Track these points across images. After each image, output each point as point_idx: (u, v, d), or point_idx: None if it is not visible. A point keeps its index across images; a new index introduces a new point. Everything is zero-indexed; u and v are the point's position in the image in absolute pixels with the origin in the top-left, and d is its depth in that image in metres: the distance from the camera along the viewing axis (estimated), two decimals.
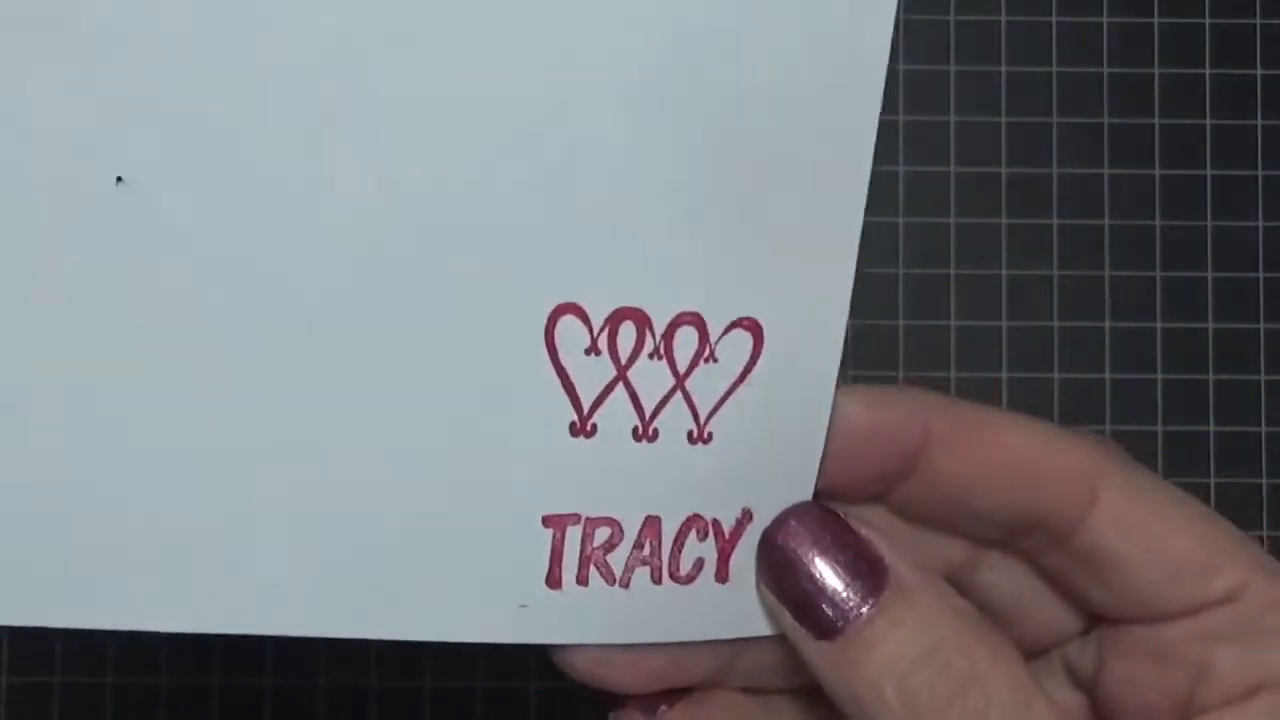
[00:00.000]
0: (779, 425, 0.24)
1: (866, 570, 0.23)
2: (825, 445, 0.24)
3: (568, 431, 0.23)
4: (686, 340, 0.23)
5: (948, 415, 0.24)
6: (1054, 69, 0.41)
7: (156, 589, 0.24)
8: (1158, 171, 0.40)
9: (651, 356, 0.23)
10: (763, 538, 0.24)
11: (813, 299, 0.24)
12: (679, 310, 0.23)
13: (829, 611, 0.23)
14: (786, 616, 0.24)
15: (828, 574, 0.23)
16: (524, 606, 0.24)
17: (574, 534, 0.24)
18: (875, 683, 0.23)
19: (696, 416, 0.24)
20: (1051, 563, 0.25)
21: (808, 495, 0.24)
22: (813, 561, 0.23)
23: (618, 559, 0.24)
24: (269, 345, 0.22)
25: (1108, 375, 0.40)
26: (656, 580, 0.24)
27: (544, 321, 0.23)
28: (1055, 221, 0.40)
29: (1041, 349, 0.40)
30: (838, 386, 0.24)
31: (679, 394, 0.24)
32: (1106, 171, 0.40)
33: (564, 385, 0.23)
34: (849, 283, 0.24)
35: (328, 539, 0.23)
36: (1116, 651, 0.25)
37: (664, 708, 0.25)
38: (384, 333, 0.23)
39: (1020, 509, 0.24)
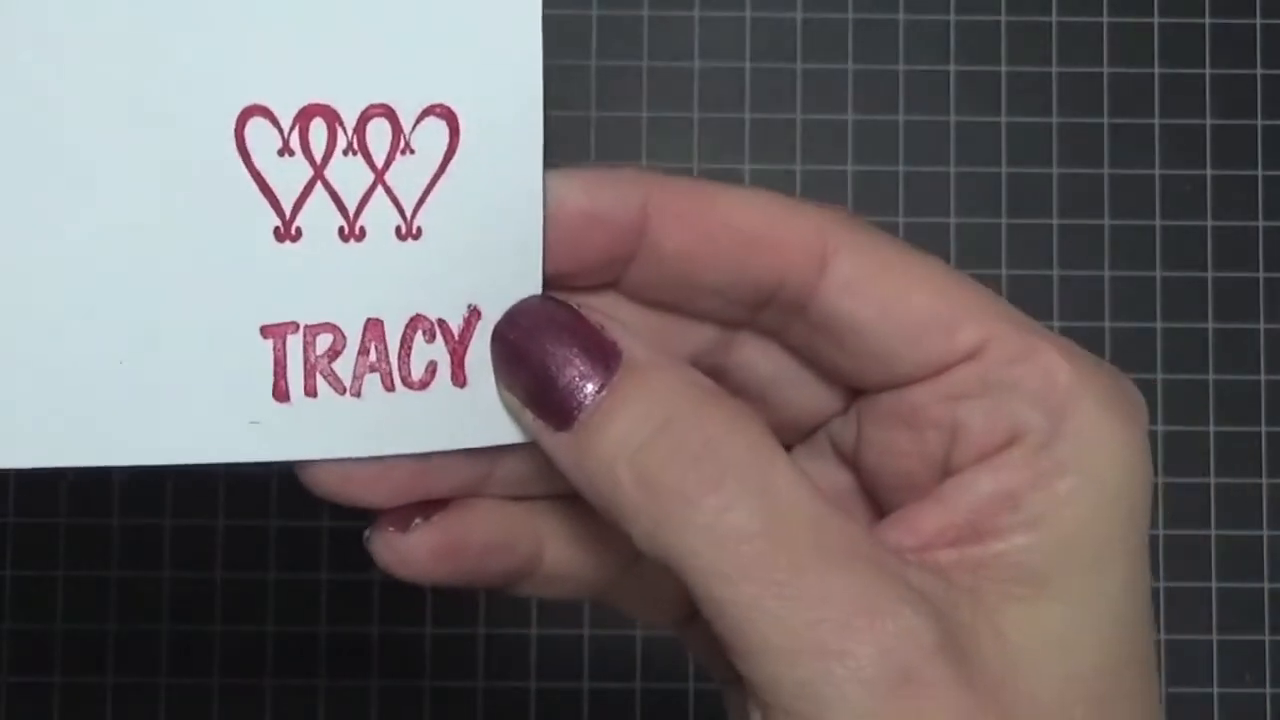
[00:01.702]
0: (490, 217, 0.23)
1: (598, 354, 0.23)
2: (545, 233, 0.23)
3: (273, 236, 0.23)
4: (380, 132, 0.23)
5: (667, 190, 0.23)
6: (1054, 69, 0.41)
7: None
8: (1158, 171, 0.40)
9: (346, 153, 0.23)
10: (493, 335, 0.24)
11: (503, 81, 0.23)
12: (368, 103, 0.23)
13: (563, 400, 0.23)
14: (526, 415, 0.23)
15: (560, 363, 0.23)
16: (255, 423, 0.23)
17: (295, 343, 0.23)
18: (608, 463, 0.22)
19: (402, 211, 0.23)
20: (796, 336, 0.24)
21: (536, 288, 0.24)
22: (543, 351, 0.23)
23: (344, 367, 0.24)
24: None
25: None
26: (389, 387, 0.24)
27: (233, 125, 0.23)
28: (1055, 221, 0.40)
29: None
30: (554, 170, 0.23)
31: (380, 189, 0.23)
32: (1106, 171, 0.40)
33: (261, 189, 0.23)
34: (537, 62, 0.23)
35: (59, 369, 0.23)
36: (871, 421, 0.24)
37: (418, 519, 0.24)
38: (83, 153, 0.23)
39: (749, 281, 0.24)
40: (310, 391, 0.24)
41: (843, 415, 0.25)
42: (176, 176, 0.23)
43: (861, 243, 0.23)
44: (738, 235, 0.23)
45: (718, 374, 0.25)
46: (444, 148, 0.23)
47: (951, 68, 0.41)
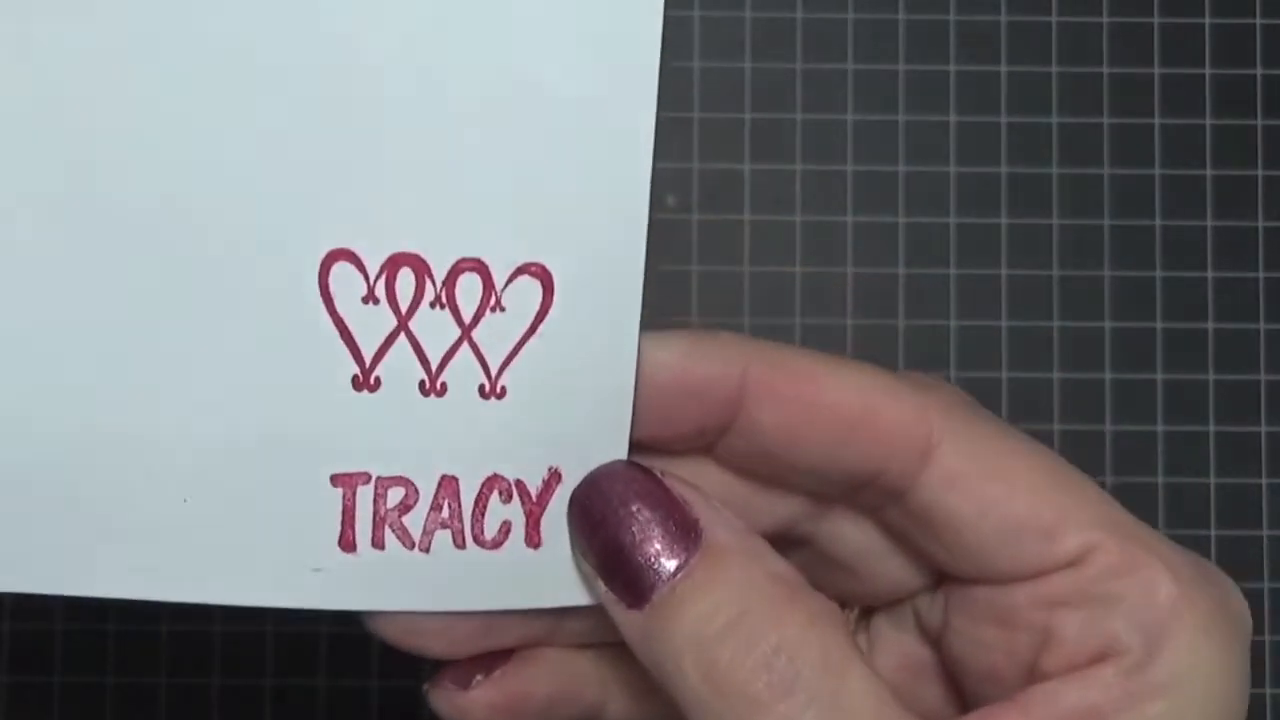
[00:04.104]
0: (580, 379, 0.23)
1: (678, 532, 0.22)
2: (636, 398, 0.23)
3: (350, 385, 0.23)
4: (470, 288, 0.23)
5: (766, 363, 0.23)
6: (1054, 69, 0.41)
7: None
8: (1158, 171, 0.40)
9: (433, 305, 0.23)
10: (571, 499, 0.23)
11: (604, 244, 0.23)
12: (459, 256, 0.22)
13: (637, 577, 0.22)
14: (599, 584, 0.22)
15: (637, 537, 0.22)
16: (318, 570, 0.23)
17: (365, 494, 0.23)
18: (676, 654, 0.21)
19: (487, 369, 0.23)
20: (890, 519, 0.24)
21: (621, 453, 0.23)
22: (621, 524, 0.22)
23: (414, 521, 0.23)
24: (59, 281, 0.22)
25: (1107, 375, 0.40)
26: (460, 544, 0.23)
27: (317, 268, 0.22)
28: (1055, 221, 0.40)
29: (1041, 349, 0.40)
30: (649, 333, 0.23)
31: (465, 345, 0.23)
32: (1106, 171, 0.40)
33: (342, 336, 0.22)
34: (643, 227, 0.23)
35: (121, 502, 0.22)
36: (961, 611, 0.24)
37: (479, 676, 0.24)
38: (162, 287, 0.22)
39: (847, 465, 0.23)
40: (378, 544, 0.23)
41: (930, 593, 0.25)
42: (256, 315, 0.22)
43: (967, 433, 0.23)
44: (839, 418, 0.23)
45: (805, 542, 0.24)
46: (536, 307, 0.23)
47: (951, 68, 0.41)
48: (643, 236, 0.23)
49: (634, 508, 0.22)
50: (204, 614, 0.39)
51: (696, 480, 0.23)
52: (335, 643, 0.39)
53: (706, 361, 0.23)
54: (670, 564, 0.22)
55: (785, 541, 0.24)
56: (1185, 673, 0.21)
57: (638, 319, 0.23)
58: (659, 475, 0.23)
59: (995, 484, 0.22)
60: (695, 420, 0.23)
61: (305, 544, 0.23)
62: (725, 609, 0.21)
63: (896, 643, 0.25)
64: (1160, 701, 0.21)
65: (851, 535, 0.24)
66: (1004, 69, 0.41)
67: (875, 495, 0.23)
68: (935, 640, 0.25)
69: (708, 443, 0.23)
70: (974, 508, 0.22)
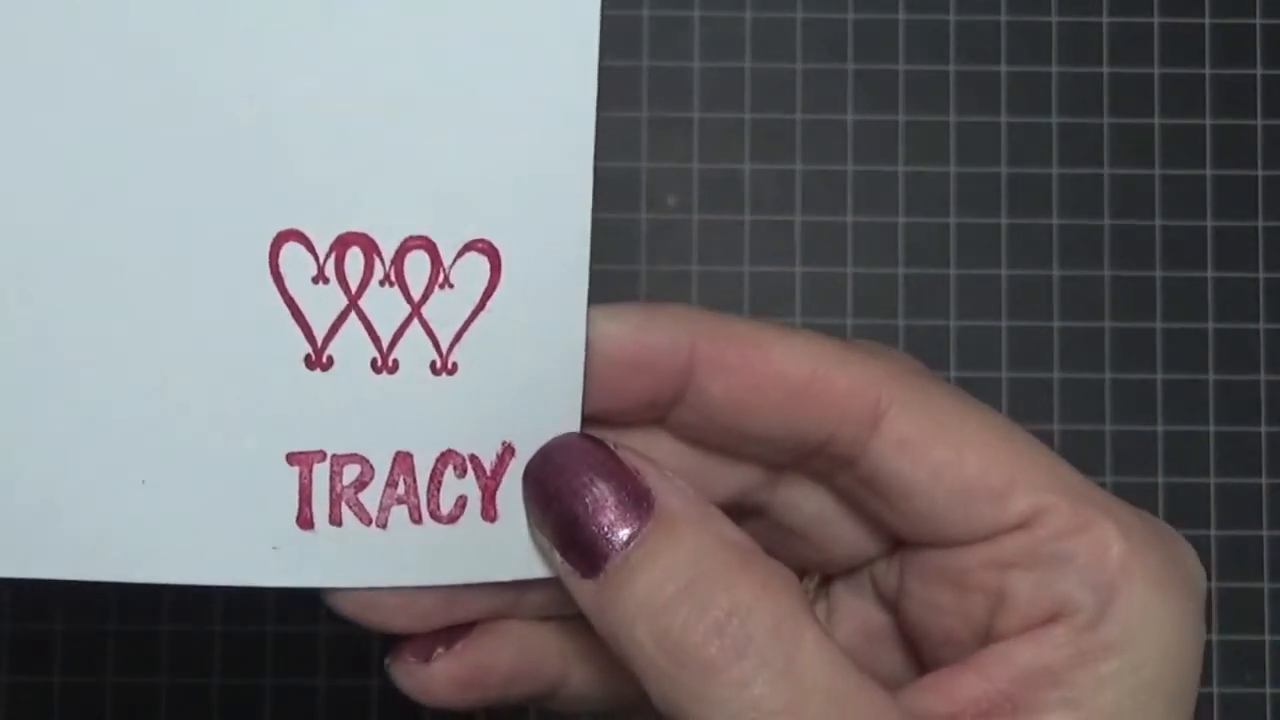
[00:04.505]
0: (530, 354, 0.23)
1: (631, 502, 0.22)
2: (587, 372, 0.23)
3: (303, 364, 0.23)
4: (418, 265, 0.23)
5: (715, 334, 0.23)
6: (1054, 69, 0.41)
7: None
8: (1158, 171, 0.40)
9: (383, 283, 0.23)
10: (525, 472, 0.23)
11: (550, 219, 0.23)
12: (407, 234, 0.23)
13: (591, 547, 0.22)
14: (555, 555, 0.22)
15: (591, 508, 0.22)
16: (276, 548, 0.23)
17: (321, 471, 0.23)
18: (629, 621, 0.21)
19: (438, 346, 0.23)
20: (843, 484, 0.24)
21: (573, 426, 0.23)
22: (574, 494, 0.22)
23: (371, 497, 0.23)
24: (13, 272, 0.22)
25: (1107, 375, 0.40)
26: (416, 520, 0.23)
27: (267, 249, 0.23)
28: (1055, 221, 0.40)
29: (1041, 349, 0.40)
30: (598, 306, 0.23)
31: (416, 322, 0.23)
32: (1106, 171, 0.40)
33: (294, 315, 0.23)
34: (587, 200, 0.23)
35: (78, 483, 0.23)
36: (916, 575, 0.24)
37: (440, 649, 0.24)
38: (113, 270, 0.22)
39: (797, 433, 0.23)
40: (335, 520, 0.23)
41: (887, 559, 0.25)
42: (208, 297, 0.23)
43: (917, 399, 0.23)
44: (788, 386, 0.23)
45: (760, 510, 0.25)
46: (484, 283, 0.23)
47: (951, 68, 0.41)
48: (587, 210, 0.23)
49: (587, 479, 0.22)
50: (204, 614, 0.39)
51: (649, 451, 0.23)
52: (335, 643, 0.39)
53: (656, 333, 0.23)
54: (623, 533, 0.22)
55: (740, 510, 0.25)
56: (1137, 630, 0.22)
57: (585, 293, 0.23)
58: (611, 447, 0.23)
59: (945, 448, 0.22)
60: (646, 392, 0.23)
61: (263, 522, 0.23)
62: (677, 575, 0.21)
63: (855, 609, 0.25)
64: (1113, 659, 0.21)
65: (805, 503, 0.25)
66: (1004, 69, 0.41)
67: (827, 462, 0.24)
68: (892, 606, 0.25)
69: (659, 414, 0.24)
70: (924, 472, 0.22)
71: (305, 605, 0.39)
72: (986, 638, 0.23)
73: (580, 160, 0.23)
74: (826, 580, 0.26)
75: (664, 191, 0.40)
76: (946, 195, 0.40)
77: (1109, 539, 0.22)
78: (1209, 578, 0.42)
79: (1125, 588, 0.22)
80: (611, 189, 0.40)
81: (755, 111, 0.40)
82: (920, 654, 0.25)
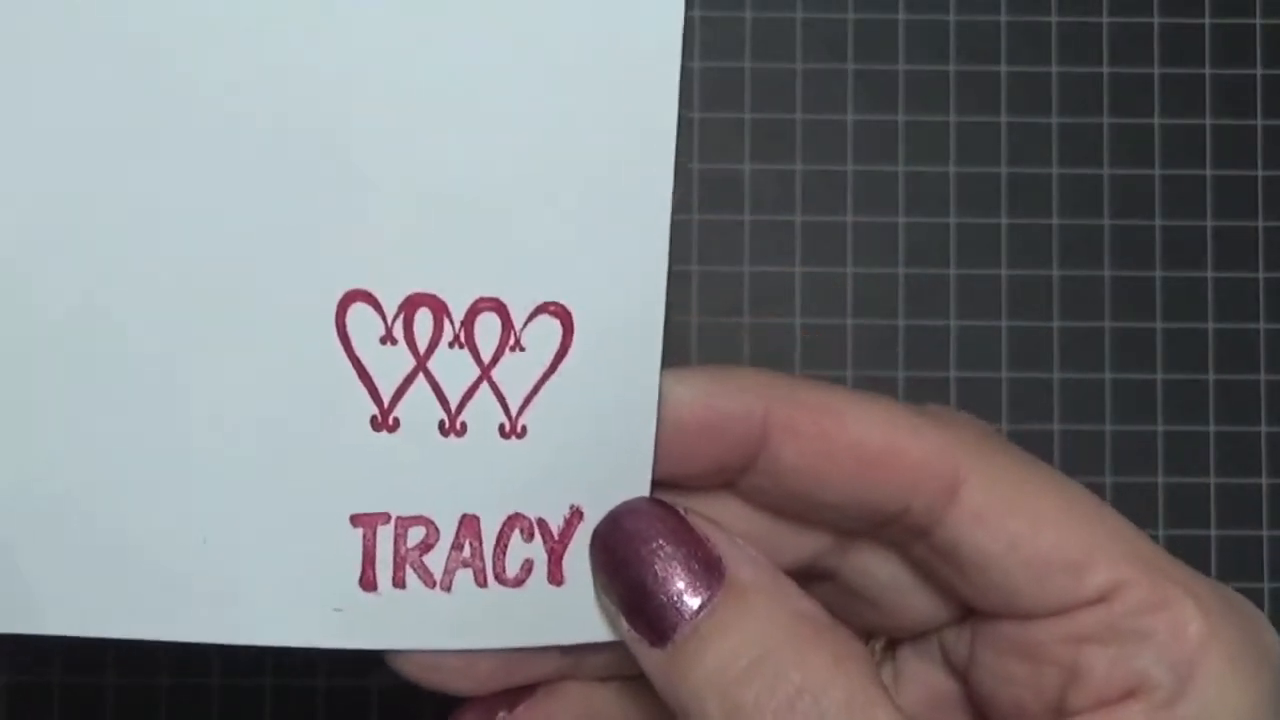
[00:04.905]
0: (600, 418, 0.23)
1: (701, 570, 0.21)
2: (657, 437, 0.23)
3: (369, 425, 0.23)
4: (489, 327, 0.23)
5: (788, 400, 0.22)
6: (1054, 69, 0.41)
7: None
8: (1158, 171, 0.40)
9: (452, 345, 0.23)
10: (593, 537, 0.23)
11: (624, 283, 0.23)
12: (478, 295, 0.22)
13: (660, 616, 0.21)
14: (622, 622, 0.22)
15: (660, 576, 0.22)
16: (339, 610, 0.23)
17: (385, 534, 0.23)
18: (699, 695, 0.21)
19: (507, 409, 0.23)
20: (917, 554, 0.24)
21: (643, 490, 0.23)
22: (644, 562, 0.22)
23: (435, 561, 0.23)
24: (68, 334, 0.22)
25: (1107, 375, 0.40)
26: (481, 583, 0.23)
27: (334, 309, 0.22)
28: (1055, 221, 0.40)
29: (1041, 349, 0.40)
30: (670, 370, 0.23)
31: (485, 385, 0.23)
32: (1106, 171, 0.40)
33: (360, 376, 0.23)
34: (663, 266, 0.23)
35: (142, 542, 0.22)
36: (988, 645, 0.23)
37: (503, 713, 0.24)
38: (181, 330, 0.22)
39: (872, 502, 0.23)
40: (399, 583, 0.23)
41: (957, 626, 0.24)
42: (275, 356, 0.22)
43: (992, 468, 0.22)
44: (862, 455, 0.22)
45: (830, 576, 0.24)
46: (556, 346, 0.23)
47: (951, 68, 0.41)
48: (664, 273, 0.23)
49: (656, 545, 0.22)
50: None
51: (719, 517, 0.23)
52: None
53: (728, 399, 0.23)
54: (693, 602, 0.21)
55: (809, 575, 0.24)
56: (1214, 709, 0.21)
57: (659, 357, 0.23)
58: (681, 512, 0.22)
59: (1021, 520, 0.22)
60: (717, 458, 0.23)
61: (326, 584, 0.23)
62: (748, 648, 0.21)
63: (922, 675, 0.25)
64: None
65: (876, 570, 0.24)
66: (1004, 69, 0.41)
67: (900, 531, 0.23)
68: (962, 673, 0.25)
69: (729, 479, 0.23)
70: (1001, 544, 0.22)
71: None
72: (1059, 712, 0.22)
73: (657, 224, 0.23)
74: (893, 644, 0.26)
75: None
76: (946, 195, 0.40)
77: (1188, 616, 0.22)
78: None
79: (1203, 665, 0.21)
80: None
81: (755, 111, 0.40)
82: None
